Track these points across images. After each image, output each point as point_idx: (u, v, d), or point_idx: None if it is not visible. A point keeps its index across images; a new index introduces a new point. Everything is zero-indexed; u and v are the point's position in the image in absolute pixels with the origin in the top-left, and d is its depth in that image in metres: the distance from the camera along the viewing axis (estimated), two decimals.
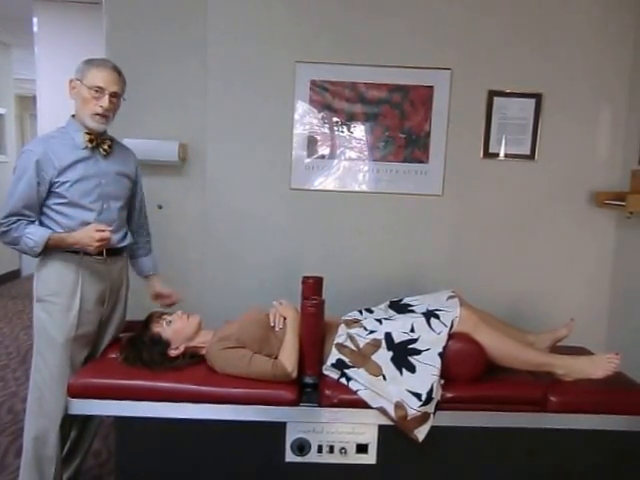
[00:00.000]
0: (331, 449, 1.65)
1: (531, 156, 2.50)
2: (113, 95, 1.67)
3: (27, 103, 6.84)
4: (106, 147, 1.73)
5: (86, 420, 1.88)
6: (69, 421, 1.75)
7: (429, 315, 1.71)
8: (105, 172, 1.73)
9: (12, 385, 2.87)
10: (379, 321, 1.76)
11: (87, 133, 1.69)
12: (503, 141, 2.49)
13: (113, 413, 1.66)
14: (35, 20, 3.67)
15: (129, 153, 1.87)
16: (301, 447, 1.64)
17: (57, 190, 1.65)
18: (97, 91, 1.65)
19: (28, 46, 4.10)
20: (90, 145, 1.69)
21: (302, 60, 2.41)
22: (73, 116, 1.73)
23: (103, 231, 1.62)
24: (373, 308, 1.94)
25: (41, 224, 1.67)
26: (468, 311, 1.72)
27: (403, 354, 1.66)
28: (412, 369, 1.63)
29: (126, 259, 1.90)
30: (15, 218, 1.62)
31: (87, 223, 1.66)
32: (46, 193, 1.65)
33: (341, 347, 1.73)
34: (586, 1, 2.43)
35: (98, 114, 1.66)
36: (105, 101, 1.66)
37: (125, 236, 1.83)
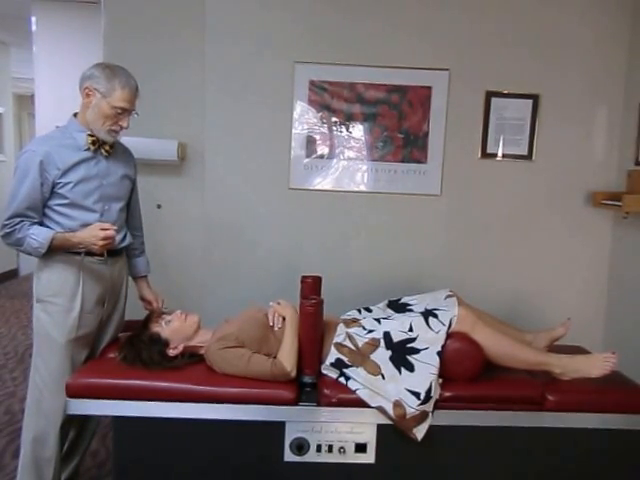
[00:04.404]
0: (330, 448, 1.65)
1: (528, 156, 2.51)
2: (133, 113, 1.69)
3: (25, 102, 6.83)
4: (108, 148, 1.72)
5: (85, 420, 1.87)
6: (68, 421, 1.74)
7: (427, 314, 1.72)
8: (107, 173, 1.73)
9: (10, 385, 2.86)
10: (378, 320, 1.76)
11: (90, 135, 1.68)
12: (501, 141, 2.50)
13: (111, 413, 1.65)
14: (33, 19, 3.66)
15: (129, 152, 1.87)
16: (300, 446, 1.64)
17: (59, 191, 1.64)
18: (120, 112, 1.65)
19: (26, 45, 4.10)
20: (92, 147, 1.69)
21: (301, 60, 2.41)
22: (75, 115, 1.72)
23: (107, 230, 1.61)
24: (372, 307, 1.94)
25: (41, 225, 1.66)
26: (466, 310, 1.73)
27: (402, 353, 1.66)
28: (411, 368, 1.64)
29: (125, 258, 1.89)
30: (18, 219, 1.61)
31: (88, 224, 1.65)
32: (49, 194, 1.64)
33: (340, 346, 1.73)
34: (582, 3, 2.45)
35: (116, 130, 1.68)
36: (126, 121, 1.68)
37: (125, 236, 1.83)
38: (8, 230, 1.61)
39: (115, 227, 1.65)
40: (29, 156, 1.62)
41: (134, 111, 1.70)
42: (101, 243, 1.60)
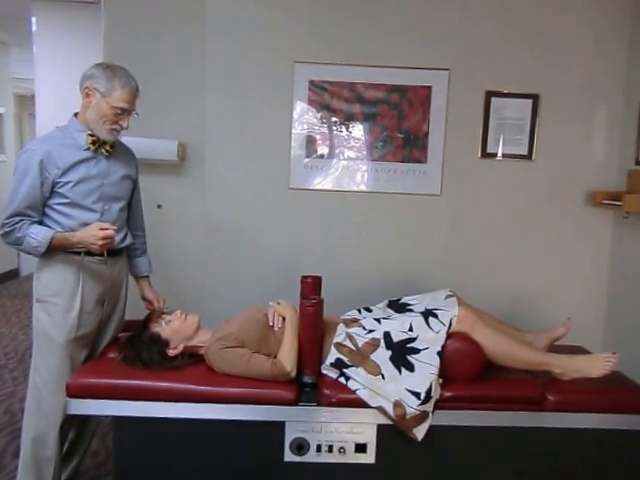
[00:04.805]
0: (330, 449, 1.65)
1: (528, 156, 2.51)
2: (133, 113, 1.69)
3: (26, 102, 6.83)
4: (108, 148, 1.73)
5: (85, 420, 1.87)
6: (68, 421, 1.74)
7: (428, 314, 1.72)
8: (107, 173, 1.73)
9: (10, 385, 2.86)
10: (378, 320, 1.76)
11: (90, 135, 1.68)
12: (501, 141, 2.50)
13: (111, 413, 1.65)
14: (34, 19, 3.67)
15: (130, 152, 1.87)
16: (300, 447, 1.64)
17: (59, 190, 1.64)
18: (120, 113, 1.65)
19: (27, 45, 4.10)
20: (92, 147, 1.69)
21: (301, 60, 2.41)
22: (75, 115, 1.72)
23: (107, 229, 1.61)
24: (372, 307, 1.94)
25: (41, 224, 1.66)
26: (466, 310, 1.73)
27: (402, 353, 1.66)
28: (411, 368, 1.64)
29: (126, 259, 1.89)
30: (18, 218, 1.61)
31: (88, 224, 1.65)
32: (49, 193, 1.64)
33: (340, 346, 1.73)
34: (582, 3, 2.44)
35: (116, 130, 1.67)
36: (126, 121, 1.67)
37: (125, 237, 1.83)
38: (8, 229, 1.62)
39: (115, 227, 1.65)
40: (29, 155, 1.62)
41: (134, 111, 1.70)
42: (100, 243, 1.60)
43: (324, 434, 1.64)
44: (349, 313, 1.92)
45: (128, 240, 1.84)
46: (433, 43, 2.43)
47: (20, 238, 1.62)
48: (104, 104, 1.64)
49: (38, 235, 1.61)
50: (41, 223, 1.66)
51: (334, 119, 2.47)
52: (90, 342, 1.78)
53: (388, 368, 1.65)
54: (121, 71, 1.67)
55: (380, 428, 1.64)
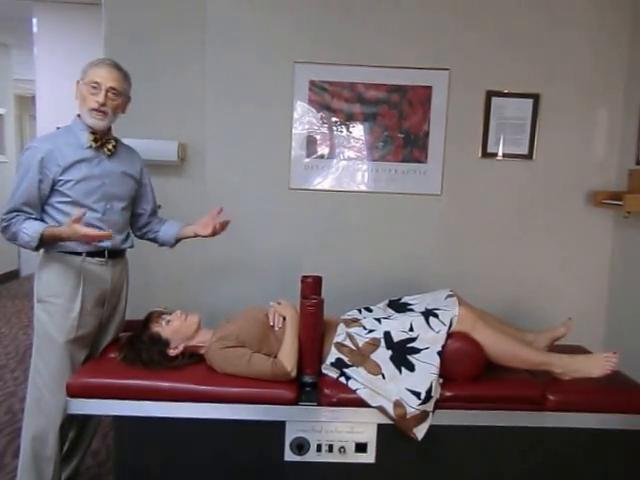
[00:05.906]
0: (330, 448, 1.65)
1: (529, 156, 2.51)
2: (110, 91, 1.67)
3: (26, 103, 6.84)
4: (110, 147, 1.73)
5: (85, 420, 1.88)
6: (68, 421, 1.75)
7: (428, 314, 1.72)
8: (109, 172, 1.73)
9: (10, 385, 2.86)
10: (378, 320, 1.76)
11: (92, 133, 1.69)
12: (501, 141, 2.50)
13: (112, 413, 1.66)
14: (34, 21, 3.67)
15: (134, 154, 1.87)
16: (300, 446, 1.64)
17: (60, 189, 1.65)
18: (94, 87, 1.65)
19: (27, 47, 4.10)
20: (94, 145, 1.70)
21: (301, 60, 2.42)
22: (79, 116, 1.73)
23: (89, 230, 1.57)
24: (372, 307, 1.94)
25: (37, 220, 1.66)
26: (467, 310, 1.73)
27: (402, 353, 1.66)
28: (411, 368, 1.64)
29: (127, 260, 1.89)
30: (15, 214, 1.63)
31: (90, 224, 1.65)
32: (49, 191, 1.65)
33: (340, 346, 1.73)
34: (582, 4, 2.44)
35: (94, 109, 1.66)
36: (101, 96, 1.66)
37: (127, 238, 1.83)
38: (5, 224, 1.64)
39: (111, 231, 1.63)
40: (31, 153, 1.64)
41: (114, 89, 1.66)
42: (82, 232, 1.54)
43: (324, 434, 1.64)
44: (349, 313, 1.92)
45: (130, 242, 1.84)
46: (433, 43, 2.44)
47: (15, 233, 1.63)
48: (83, 87, 1.67)
49: (29, 230, 1.61)
50: (42, 221, 1.66)
51: (334, 119, 2.47)
52: (90, 342, 1.78)
53: (388, 368, 1.65)
54: (101, 58, 1.72)
55: (380, 428, 1.64)
